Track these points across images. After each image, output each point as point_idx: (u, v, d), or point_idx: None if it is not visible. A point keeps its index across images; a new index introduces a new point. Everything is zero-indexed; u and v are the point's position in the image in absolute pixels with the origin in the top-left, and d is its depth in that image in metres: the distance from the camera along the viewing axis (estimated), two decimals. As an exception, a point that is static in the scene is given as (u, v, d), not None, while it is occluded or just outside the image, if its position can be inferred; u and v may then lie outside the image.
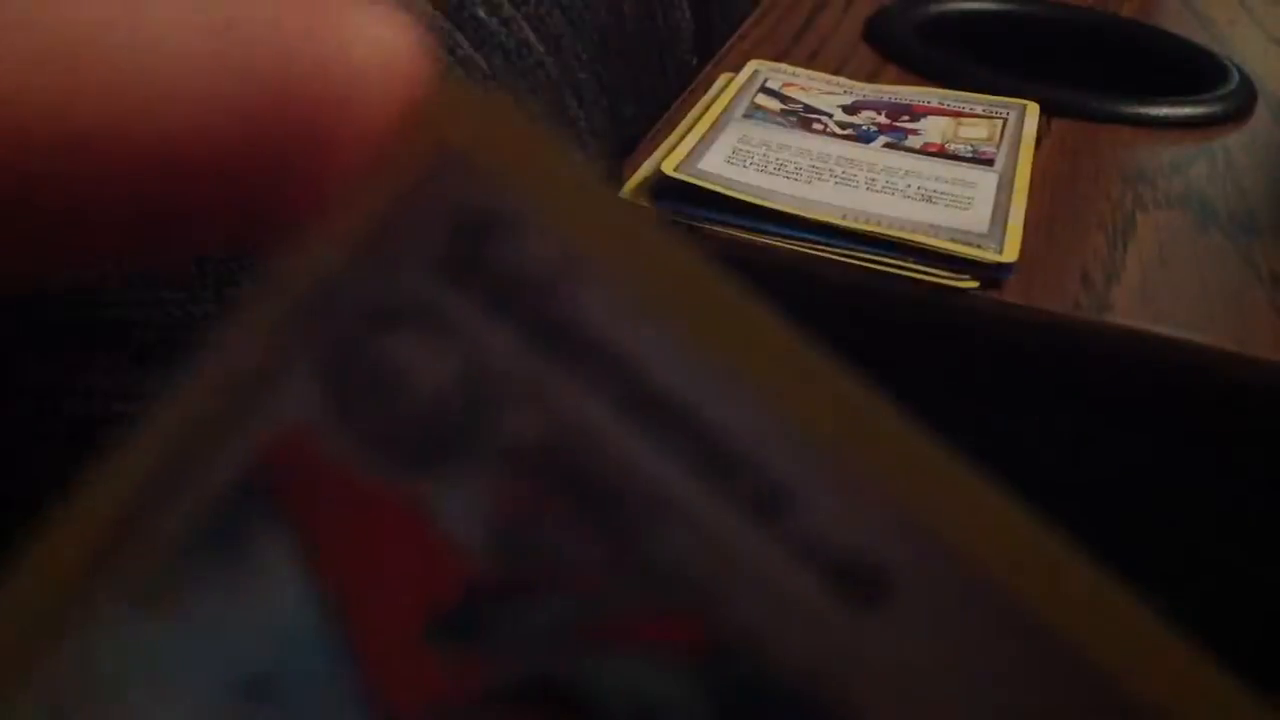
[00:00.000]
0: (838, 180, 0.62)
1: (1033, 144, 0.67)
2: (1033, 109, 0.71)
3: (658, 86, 0.74)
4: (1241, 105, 0.75)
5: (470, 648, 0.15)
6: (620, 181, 0.61)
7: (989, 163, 0.65)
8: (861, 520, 0.14)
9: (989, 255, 0.57)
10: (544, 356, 0.15)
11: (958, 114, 0.70)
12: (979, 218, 0.59)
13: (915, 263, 0.57)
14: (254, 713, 0.15)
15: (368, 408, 0.15)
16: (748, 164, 0.62)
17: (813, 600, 0.14)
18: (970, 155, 0.66)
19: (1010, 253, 0.57)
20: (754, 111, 0.68)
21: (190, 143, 0.12)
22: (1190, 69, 0.79)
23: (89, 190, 0.12)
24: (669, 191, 0.60)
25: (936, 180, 0.63)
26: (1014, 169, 0.65)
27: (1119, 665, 0.14)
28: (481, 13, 0.53)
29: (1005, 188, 0.63)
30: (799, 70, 0.74)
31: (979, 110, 0.71)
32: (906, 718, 0.14)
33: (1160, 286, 0.59)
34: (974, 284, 0.56)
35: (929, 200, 0.61)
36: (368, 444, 0.15)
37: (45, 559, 0.16)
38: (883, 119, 0.69)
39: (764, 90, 0.71)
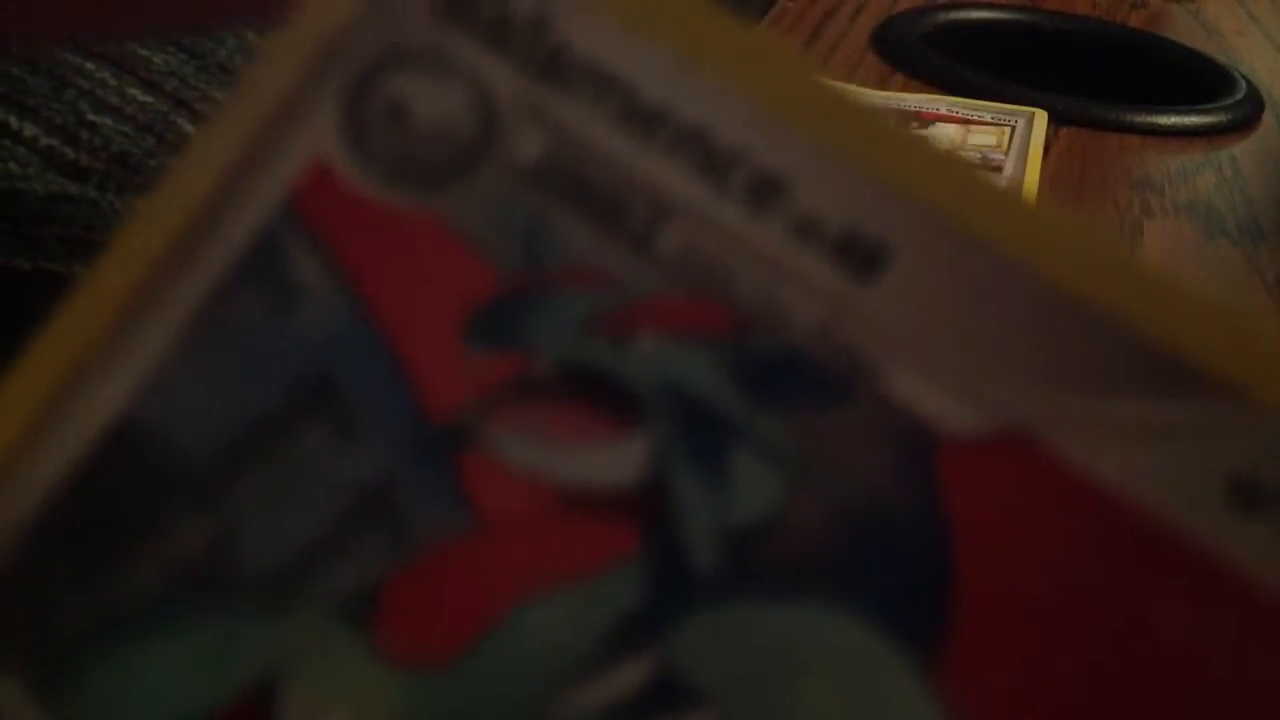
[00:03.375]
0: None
1: (1041, 151, 0.68)
2: (1041, 117, 0.71)
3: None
4: (1248, 114, 0.75)
5: (504, 344, 0.16)
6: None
7: (998, 169, 0.65)
8: (855, 197, 0.15)
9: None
10: (542, 83, 0.16)
11: (966, 121, 0.70)
12: (987, 223, 0.60)
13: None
14: (308, 416, 0.16)
15: (384, 138, 0.16)
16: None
17: (818, 273, 0.15)
18: (979, 162, 0.66)
19: (1019, 258, 0.57)
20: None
21: None
22: (1197, 78, 0.79)
23: None
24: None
25: (945, 186, 0.63)
26: (1023, 176, 0.65)
27: (1129, 311, 0.14)
28: None
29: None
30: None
31: (987, 118, 0.71)
32: (918, 373, 0.15)
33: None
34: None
35: (938, 206, 0.61)
36: (387, 171, 0.16)
37: (91, 297, 0.16)
38: (891, 126, 0.69)
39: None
